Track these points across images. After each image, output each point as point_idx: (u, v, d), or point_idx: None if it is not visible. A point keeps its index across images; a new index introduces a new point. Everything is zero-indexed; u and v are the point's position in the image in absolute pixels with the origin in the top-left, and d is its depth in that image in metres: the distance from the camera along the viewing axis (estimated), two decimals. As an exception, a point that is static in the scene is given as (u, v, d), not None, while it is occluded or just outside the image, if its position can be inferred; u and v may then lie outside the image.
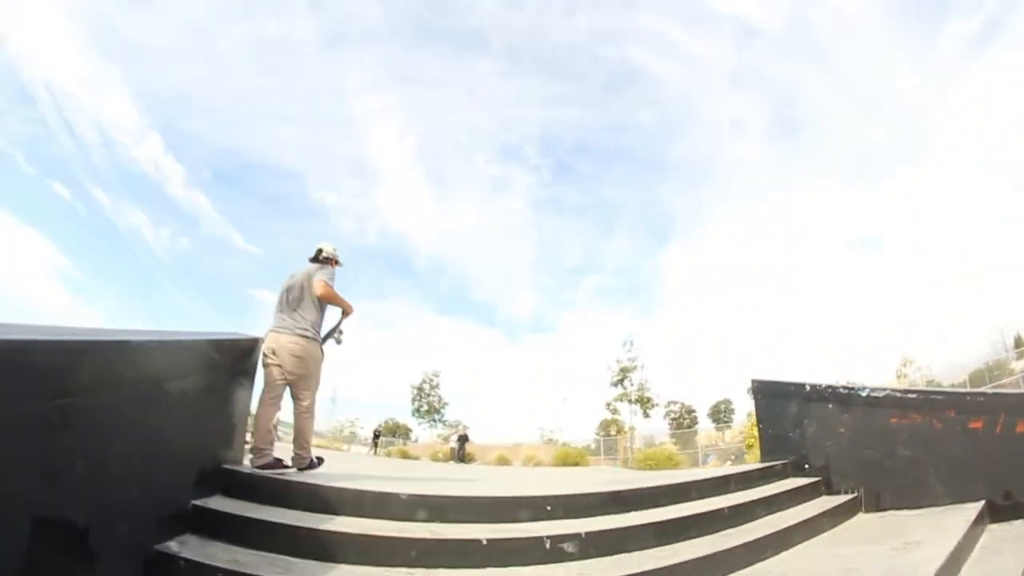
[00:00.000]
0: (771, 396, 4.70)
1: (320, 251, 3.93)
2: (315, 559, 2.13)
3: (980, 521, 3.20)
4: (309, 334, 3.59)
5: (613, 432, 29.91)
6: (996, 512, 3.37)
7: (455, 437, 24.45)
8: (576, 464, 18.11)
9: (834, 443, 4.05)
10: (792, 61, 73.55)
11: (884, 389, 3.92)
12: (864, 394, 3.95)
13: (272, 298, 3.91)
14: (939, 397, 3.88)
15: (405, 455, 26.96)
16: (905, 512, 3.55)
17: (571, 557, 2.39)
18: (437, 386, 38.47)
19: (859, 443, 3.93)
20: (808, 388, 4.32)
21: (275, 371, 3.49)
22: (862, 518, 3.65)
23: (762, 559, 2.70)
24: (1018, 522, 3.19)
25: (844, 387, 4.11)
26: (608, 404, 29.15)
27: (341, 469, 4.57)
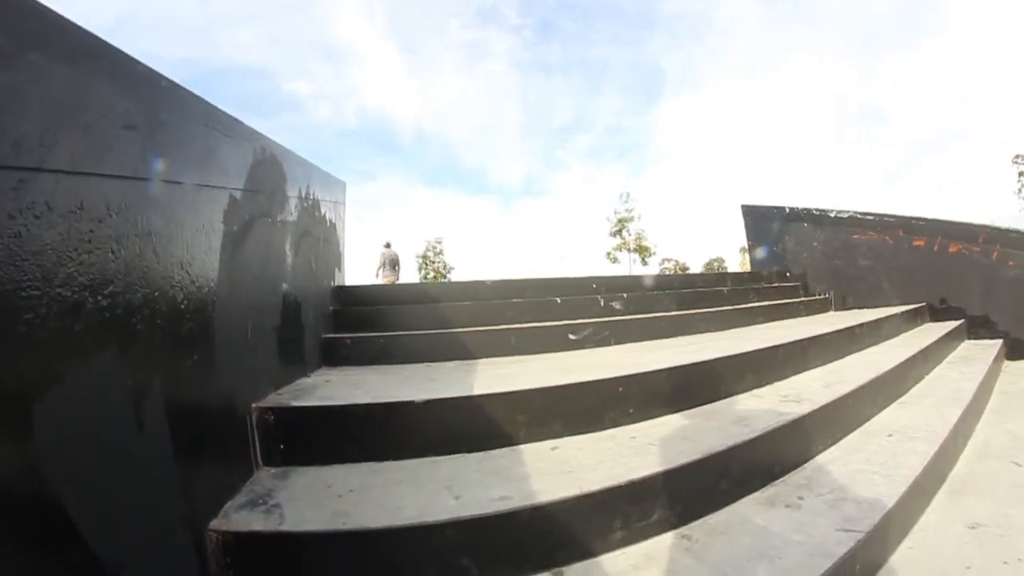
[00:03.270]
0: (758, 218, 5.57)
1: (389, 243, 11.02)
2: (434, 329, 2.89)
3: (920, 315, 4.15)
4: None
5: (611, 288, 31.05)
6: (934, 313, 4.32)
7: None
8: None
9: (809, 255, 4.99)
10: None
11: (847, 211, 4.79)
12: (832, 215, 4.83)
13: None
14: (890, 219, 4.75)
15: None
16: (864, 310, 4.45)
17: (618, 312, 3.34)
18: (441, 252, 38.95)
19: (829, 255, 4.87)
20: (788, 210, 5.21)
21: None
22: (831, 313, 4.62)
23: (755, 324, 3.69)
24: (950, 323, 4.00)
25: (816, 209, 4.95)
26: (608, 253, 30.22)
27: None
